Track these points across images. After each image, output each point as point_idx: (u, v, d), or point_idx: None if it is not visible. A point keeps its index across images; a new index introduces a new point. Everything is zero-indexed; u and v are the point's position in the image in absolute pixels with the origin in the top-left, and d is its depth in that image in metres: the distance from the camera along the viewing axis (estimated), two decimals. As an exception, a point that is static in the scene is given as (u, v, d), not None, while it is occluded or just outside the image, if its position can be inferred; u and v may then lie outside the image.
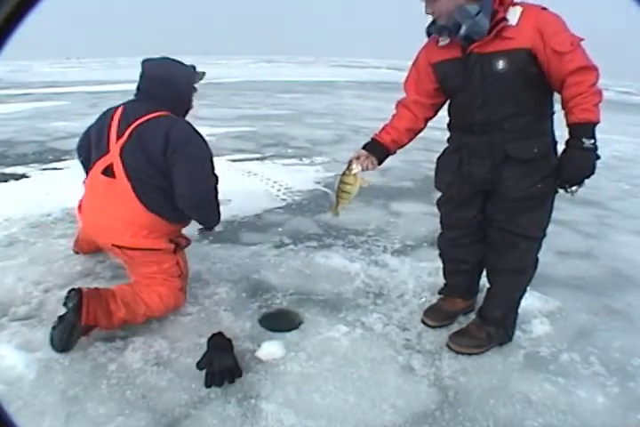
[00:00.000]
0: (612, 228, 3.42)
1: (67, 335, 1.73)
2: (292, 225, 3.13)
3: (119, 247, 1.95)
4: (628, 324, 2.17)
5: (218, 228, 2.99)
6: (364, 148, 1.88)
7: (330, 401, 1.61)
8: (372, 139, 1.91)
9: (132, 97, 2.04)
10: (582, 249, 3.01)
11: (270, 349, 1.82)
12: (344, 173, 1.82)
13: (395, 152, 1.93)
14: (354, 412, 1.58)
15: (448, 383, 1.73)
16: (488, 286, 1.99)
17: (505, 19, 1.57)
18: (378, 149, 1.88)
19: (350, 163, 1.82)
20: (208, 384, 1.64)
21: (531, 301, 2.25)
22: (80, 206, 2.08)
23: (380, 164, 1.89)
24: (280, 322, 2.05)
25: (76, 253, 2.50)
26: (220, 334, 1.83)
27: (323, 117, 8.00)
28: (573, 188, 1.63)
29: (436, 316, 2.09)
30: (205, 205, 1.99)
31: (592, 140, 1.53)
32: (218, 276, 2.40)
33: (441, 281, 2.29)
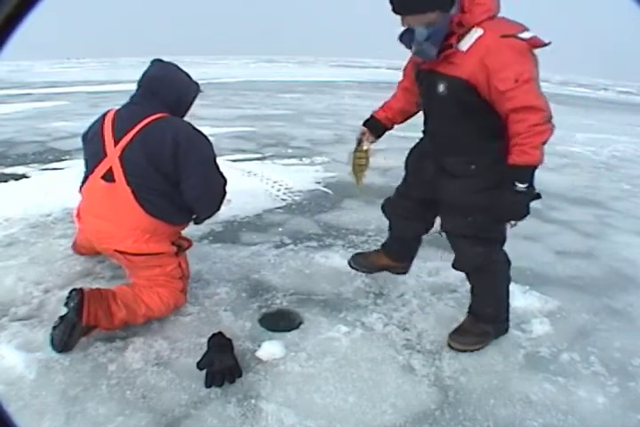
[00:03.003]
0: (612, 228, 3.41)
1: (67, 335, 1.73)
2: (292, 225, 3.13)
3: (121, 253, 1.95)
4: (628, 324, 2.17)
5: (218, 228, 3.01)
6: (364, 124, 2.05)
7: (330, 401, 1.61)
8: (371, 116, 2.06)
9: (133, 97, 2.02)
10: (582, 249, 3.01)
11: (270, 349, 1.83)
12: (357, 150, 2.03)
13: (392, 127, 2.08)
14: (354, 412, 1.58)
15: (448, 383, 1.73)
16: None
17: (454, 45, 1.55)
18: (376, 126, 2.04)
19: (360, 140, 2.01)
20: (208, 384, 1.65)
21: (531, 301, 2.25)
22: (78, 213, 2.07)
23: (378, 137, 2.06)
24: (280, 322, 2.06)
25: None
26: (220, 334, 1.83)
27: (323, 117, 8.00)
28: (512, 222, 1.66)
29: (360, 260, 2.29)
30: (216, 208, 2.03)
31: (525, 184, 1.53)
32: (218, 276, 2.40)
33: (441, 280, 2.29)
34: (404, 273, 2.36)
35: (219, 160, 2.02)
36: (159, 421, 1.51)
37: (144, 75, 2.00)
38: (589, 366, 1.85)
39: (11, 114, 7.60)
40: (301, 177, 4.17)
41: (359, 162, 2.03)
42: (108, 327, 1.83)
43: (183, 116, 2.08)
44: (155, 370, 1.72)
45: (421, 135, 1.97)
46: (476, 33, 1.53)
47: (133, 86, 2.04)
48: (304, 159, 4.89)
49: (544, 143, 1.53)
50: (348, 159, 2.06)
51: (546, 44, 1.54)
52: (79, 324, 1.73)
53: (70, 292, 1.79)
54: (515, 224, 1.67)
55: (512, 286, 2.34)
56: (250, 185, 3.79)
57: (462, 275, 2.47)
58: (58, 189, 3.42)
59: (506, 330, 2.00)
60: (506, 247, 2.95)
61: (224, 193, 2.02)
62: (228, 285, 2.31)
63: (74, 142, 5.18)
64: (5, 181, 3.79)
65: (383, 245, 2.33)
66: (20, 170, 4.15)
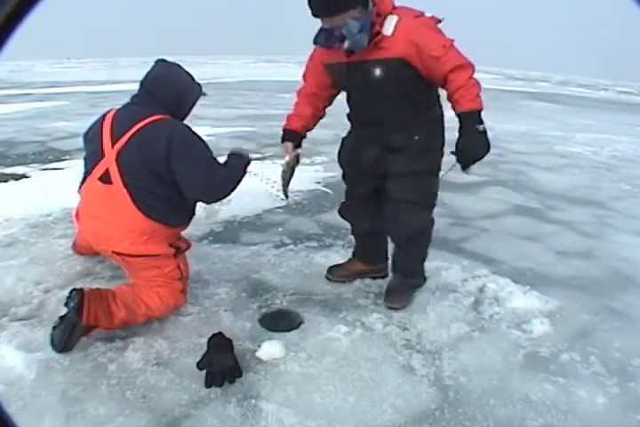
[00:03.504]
0: (612, 228, 3.41)
1: (67, 335, 1.73)
2: (292, 225, 3.13)
3: (119, 254, 1.94)
4: (629, 324, 2.17)
5: (218, 228, 3.01)
6: (283, 140, 2.16)
7: (330, 401, 1.61)
8: (285, 129, 2.18)
9: (133, 97, 2.02)
10: (582, 249, 3.01)
11: (270, 349, 1.82)
12: (289, 167, 2.13)
13: (305, 135, 2.21)
14: (354, 412, 1.58)
15: (448, 383, 1.73)
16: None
17: (380, 32, 1.77)
18: (295, 138, 2.16)
19: (297, 156, 2.13)
20: (208, 384, 1.65)
21: (531, 301, 2.25)
22: (77, 214, 2.07)
23: (297, 147, 2.18)
24: (280, 322, 2.06)
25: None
26: (220, 334, 1.83)
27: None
28: (473, 166, 1.85)
29: (335, 271, 2.40)
30: (223, 196, 2.03)
31: (483, 125, 1.77)
32: (218, 276, 2.40)
33: (440, 280, 2.30)
34: (384, 277, 2.40)
35: (219, 160, 2.02)
36: (159, 421, 1.51)
37: (147, 75, 2.00)
38: (589, 366, 1.85)
39: (11, 114, 7.60)
40: (301, 177, 4.15)
41: (288, 177, 2.15)
42: (108, 327, 1.83)
43: (184, 117, 2.08)
44: (155, 370, 1.72)
45: None
46: (393, 19, 1.78)
47: (133, 86, 2.04)
48: (304, 159, 4.89)
49: (480, 92, 1.78)
50: (282, 175, 2.16)
51: (440, 21, 1.84)
52: (79, 324, 1.73)
53: (70, 292, 1.79)
54: (470, 170, 1.86)
55: (512, 286, 2.36)
56: (250, 185, 3.75)
57: (463, 275, 2.49)
58: (58, 189, 3.42)
59: (425, 279, 2.30)
60: (506, 247, 2.97)
61: (230, 183, 2.01)
62: (228, 285, 2.31)
63: (74, 142, 5.17)
64: (5, 181, 3.79)
65: (354, 253, 2.46)
66: (20, 170, 4.16)
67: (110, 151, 1.87)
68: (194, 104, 2.10)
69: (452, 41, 1.78)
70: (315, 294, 2.27)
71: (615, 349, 1.96)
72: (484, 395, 1.68)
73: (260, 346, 1.85)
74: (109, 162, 1.87)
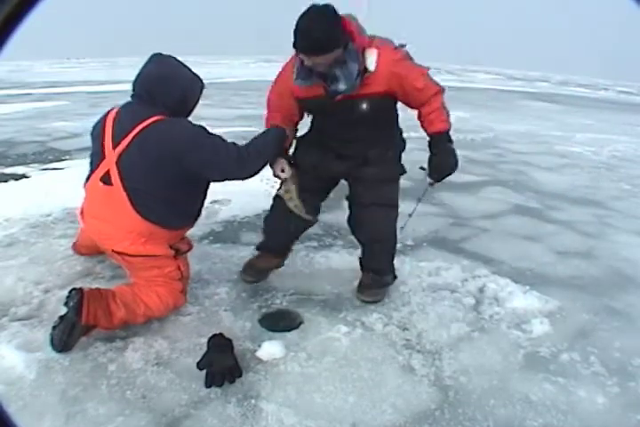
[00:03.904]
0: (612, 228, 3.41)
1: (67, 335, 1.73)
2: (292, 225, 3.12)
3: (119, 253, 1.94)
4: (629, 324, 2.17)
5: (218, 228, 3.01)
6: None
7: (330, 401, 1.61)
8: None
9: (132, 96, 1.99)
10: (582, 249, 3.01)
11: (270, 349, 1.83)
12: (286, 190, 2.07)
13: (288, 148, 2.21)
14: (354, 412, 1.58)
15: (448, 383, 1.73)
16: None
17: (367, 69, 1.81)
18: (287, 156, 2.13)
19: (286, 180, 2.05)
20: (208, 384, 1.65)
21: (531, 301, 2.25)
22: (82, 211, 2.06)
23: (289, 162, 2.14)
24: (280, 322, 2.06)
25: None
26: (220, 334, 1.83)
27: (323, 117, 7.97)
28: (435, 182, 2.03)
29: (252, 272, 2.36)
30: (258, 169, 1.96)
31: (452, 143, 1.95)
32: (218, 276, 2.40)
33: (441, 280, 2.29)
34: (282, 265, 2.42)
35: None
36: (159, 421, 1.51)
37: (143, 73, 1.93)
38: (589, 366, 1.85)
39: (11, 114, 7.59)
40: (301, 177, 4.16)
41: (297, 193, 2.06)
42: (108, 327, 1.83)
43: (189, 114, 2.04)
44: (155, 370, 1.72)
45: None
46: (373, 53, 1.82)
47: (133, 86, 2.03)
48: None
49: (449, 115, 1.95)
50: (285, 195, 2.06)
51: (405, 46, 1.93)
52: (79, 323, 1.73)
53: (70, 291, 1.79)
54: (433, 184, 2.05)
55: (512, 286, 2.37)
56: (250, 185, 3.76)
57: (463, 275, 2.49)
58: (58, 189, 3.42)
59: (396, 276, 2.32)
60: (506, 247, 2.97)
61: (261, 155, 1.95)
62: (228, 285, 2.31)
63: (74, 142, 5.18)
64: (5, 181, 3.79)
65: (264, 249, 2.37)
66: (20, 170, 4.15)
67: (111, 153, 1.86)
68: (198, 99, 2.05)
69: (428, 69, 1.91)
70: (315, 294, 2.28)
71: (615, 349, 1.97)
72: (483, 395, 1.68)
73: (260, 346, 1.85)
74: (110, 164, 1.86)
